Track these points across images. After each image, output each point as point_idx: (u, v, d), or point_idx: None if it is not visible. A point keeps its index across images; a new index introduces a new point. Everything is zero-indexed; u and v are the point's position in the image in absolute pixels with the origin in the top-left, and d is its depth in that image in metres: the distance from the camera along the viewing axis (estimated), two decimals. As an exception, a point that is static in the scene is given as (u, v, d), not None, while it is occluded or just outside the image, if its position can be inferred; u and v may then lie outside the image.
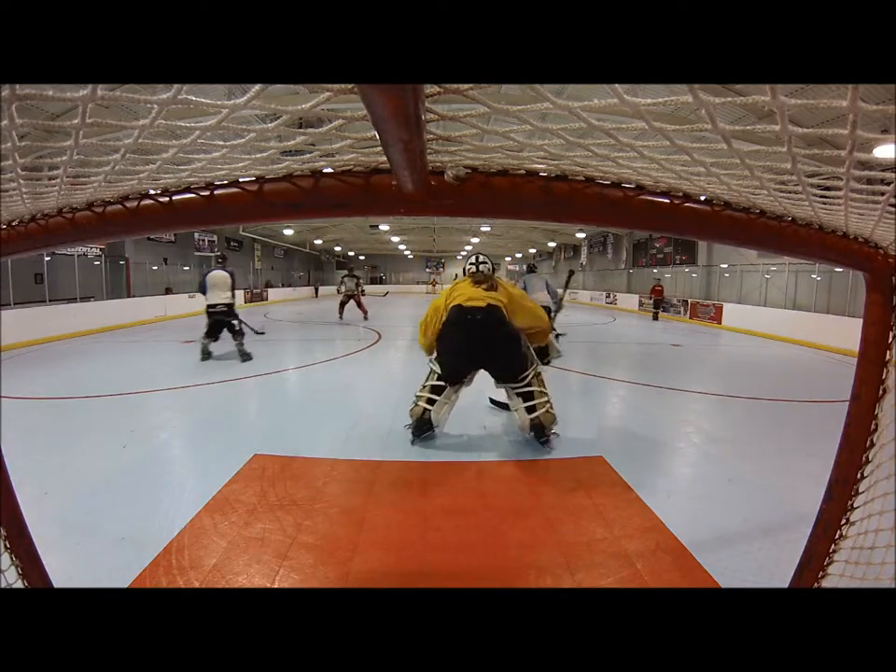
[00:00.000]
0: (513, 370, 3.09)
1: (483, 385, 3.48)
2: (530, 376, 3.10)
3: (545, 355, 3.53)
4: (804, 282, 11.20)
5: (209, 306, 6.12)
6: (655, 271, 18.11)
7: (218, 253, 6.88)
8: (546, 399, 3.11)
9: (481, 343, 3.00)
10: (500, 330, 3.02)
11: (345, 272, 12.30)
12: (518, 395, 3.08)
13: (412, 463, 2.86)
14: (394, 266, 34.61)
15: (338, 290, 12.48)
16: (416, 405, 3.14)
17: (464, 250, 30.34)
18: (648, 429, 3.63)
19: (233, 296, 6.29)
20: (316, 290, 26.34)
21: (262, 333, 7.79)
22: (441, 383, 3.09)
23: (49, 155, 0.59)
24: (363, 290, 12.18)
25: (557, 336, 7.59)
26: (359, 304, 11.62)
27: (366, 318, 11.64)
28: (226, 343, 6.46)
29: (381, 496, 2.42)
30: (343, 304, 11.82)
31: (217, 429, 3.51)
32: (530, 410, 3.05)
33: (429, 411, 3.08)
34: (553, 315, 5.53)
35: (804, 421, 4.03)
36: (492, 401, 4.00)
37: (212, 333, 6.18)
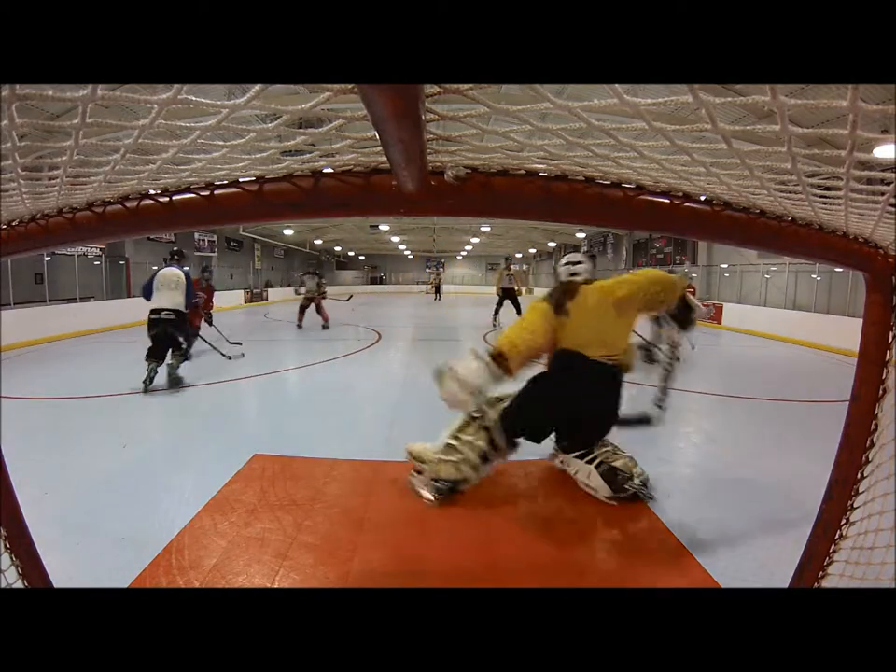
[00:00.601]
0: (604, 434, 2.46)
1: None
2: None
3: (688, 314, 2.46)
4: (804, 282, 11.19)
5: (152, 311, 4.66)
6: (655, 271, 18.08)
7: (175, 249, 5.33)
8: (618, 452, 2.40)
9: (592, 408, 2.31)
10: (615, 399, 2.38)
11: (306, 269, 10.30)
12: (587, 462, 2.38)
13: (412, 463, 2.86)
14: (394, 266, 34.59)
15: (296, 292, 10.33)
16: (459, 463, 2.20)
17: (464, 250, 30.33)
18: (648, 429, 3.63)
19: (190, 302, 4.89)
20: None
21: (238, 344, 6.71)
22: (503, 446, 2.22)
23: (48, 155, 0.59)
24: (324, 292, 10.18)
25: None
26: (319, 309, 9.76)
27: (325, 327, 9.65)
28: (236, 336, 6.42)
29: (381, 496, 2.42)
30: (302, 308, 9.78)
31: (218, 429, 3.51)
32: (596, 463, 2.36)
33: (467, 481, 2.22)
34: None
35: (804, 421, 4.03)
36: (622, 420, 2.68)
37: (155, 353, 4.62)
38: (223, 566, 1.80)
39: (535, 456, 2.96)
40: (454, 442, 2.23)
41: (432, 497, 2.22)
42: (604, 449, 2.43)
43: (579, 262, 2.44)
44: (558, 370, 2.26)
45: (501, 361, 2.01)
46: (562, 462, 2.55)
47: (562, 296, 2.24)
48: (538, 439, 2.37)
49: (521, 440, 2.33)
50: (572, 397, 2.24)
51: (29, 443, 3.13)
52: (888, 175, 0.58)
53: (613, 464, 2.34)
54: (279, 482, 2.55)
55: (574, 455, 2.45)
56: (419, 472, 2.35)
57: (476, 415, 2.27)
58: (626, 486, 2.31)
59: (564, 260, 2.51)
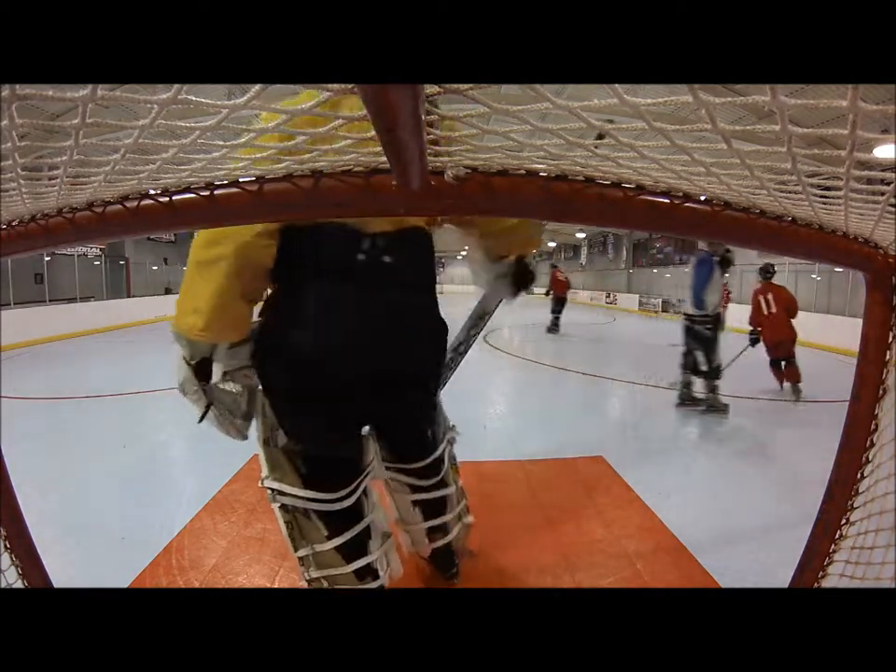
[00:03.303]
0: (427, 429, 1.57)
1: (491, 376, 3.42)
2: (445, 458, 1.56)
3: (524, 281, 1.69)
4: (804, 282, 11.19)
5: None
6: (655, 271, 18.10)
7: None
8: (464, 503, 1.76)
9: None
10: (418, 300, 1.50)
11: None
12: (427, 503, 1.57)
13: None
14: (394, 266, 34.49)
15: None
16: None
17: (464, 250, 30.30)
18: (648, 429, 3.63)
19: None
20: None
21: None
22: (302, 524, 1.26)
23: (48, 155, 0.59)
24: None
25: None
26: None
27: None
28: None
29: (381, 495, 2.41)
30: None
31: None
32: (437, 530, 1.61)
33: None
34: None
35: (804, 421, 4.03)
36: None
37: None
38: (223, 566, 1.79)
39: (535, 457, 2.96)
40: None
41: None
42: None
43: None
44: None
45: None
46: None
47: None
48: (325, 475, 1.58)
49: None
50: None
51: (29, 443, 3.13)
52: (888, 174, 0.58)
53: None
54: (279, 482, 2.54)
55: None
56: None
57: None
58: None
59: None
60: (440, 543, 1.53)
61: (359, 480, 1.18)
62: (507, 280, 1.58)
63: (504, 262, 1.56)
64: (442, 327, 1.23)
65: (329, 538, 1.08)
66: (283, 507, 1.14)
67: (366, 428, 1.25)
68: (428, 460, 1.41)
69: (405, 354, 1.11)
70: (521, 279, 1.59)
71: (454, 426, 1.62)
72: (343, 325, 1.03)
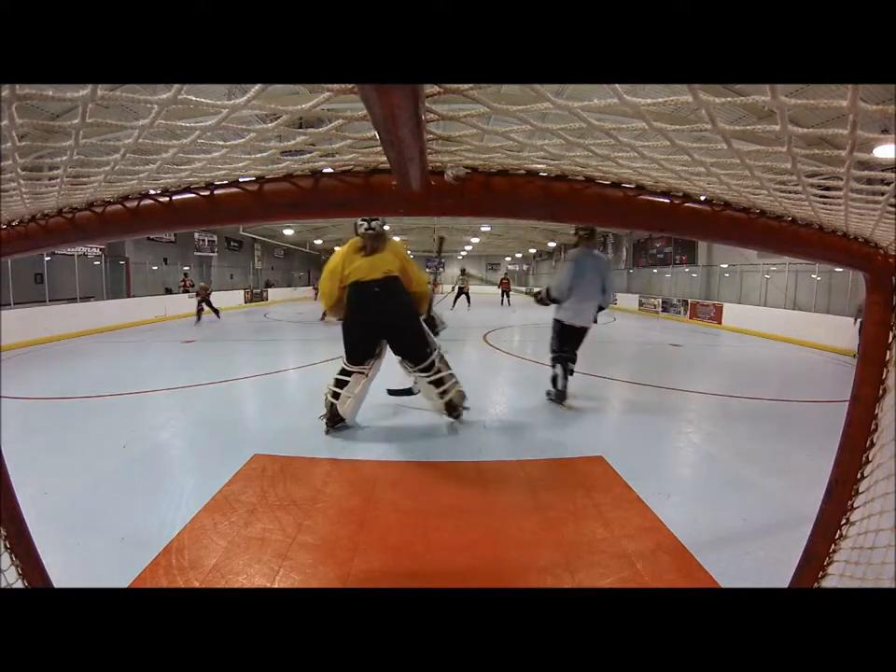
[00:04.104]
0: (416, 345, 3.19)
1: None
2: (436, 360, 3.23)
3: (433, 326, 3.46)
4: (804, 282, 11.20)
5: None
6: (655, 271, 18.11)
7: None
8: (454, 379, 3.32)
9: (383, 315, 3.07)
10: (398, 299, 3.11)
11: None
12: (430, 383, 3.24)
13: (412, 463, 2.86)
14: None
15: (186, 288, 12.36)
16: (326, 396, 3.25)
17: (464, 250, 30.34)
18: (648, 429, 3.63)
19: None
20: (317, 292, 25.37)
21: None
22: (344, 377, 3.17)
23: (48, 155, 0.59)
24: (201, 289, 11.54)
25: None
26: (208, 302, 11.29)
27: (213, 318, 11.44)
28: (236, 336, 6.43)
29: (381, 496, 2.42)
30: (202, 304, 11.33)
31: (218, 429, 3.51)
32: (442, 394, 3.28)
33: (335, 405, 3.19)
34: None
35: (804, 421, 4.03)
36: (390, 392, 3.80)
37: None
38: (223, 566, 1.80)
39: (535, 457, 2.96)
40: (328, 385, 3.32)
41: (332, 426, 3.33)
42: (452, 381, 3.36)
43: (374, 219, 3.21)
44: (347, 302, 3.16)
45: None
46: (418, 384, 3.42)
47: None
48: (358, 359, 3.18)
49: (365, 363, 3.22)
50: (359, 314, 3.13)
51: (29, 443, 3.13)
52: (888, 174, 0.58)
53: (455, 401, 3.40)
54: (279, 482, 2.55)
55: (426, 379, 3.26)
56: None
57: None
58: (455, 415, 3.47)
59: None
60: (447, 399, 3.34)
61: (372, 360, 3.23)
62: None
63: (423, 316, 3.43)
64: (410, 310, 3.23)
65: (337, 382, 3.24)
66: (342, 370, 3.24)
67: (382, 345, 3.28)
68: (424, 364, 3.22)
69: (392, 320, 3.14)
70: (431, 325, 3.45)
71: (440, 346, 3.38)
72: (367, 310, 3.10)
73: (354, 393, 3.18)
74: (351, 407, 3.22)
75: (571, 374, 4.29)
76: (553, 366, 4.28)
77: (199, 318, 11.20)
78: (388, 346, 3.26)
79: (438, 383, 3.26)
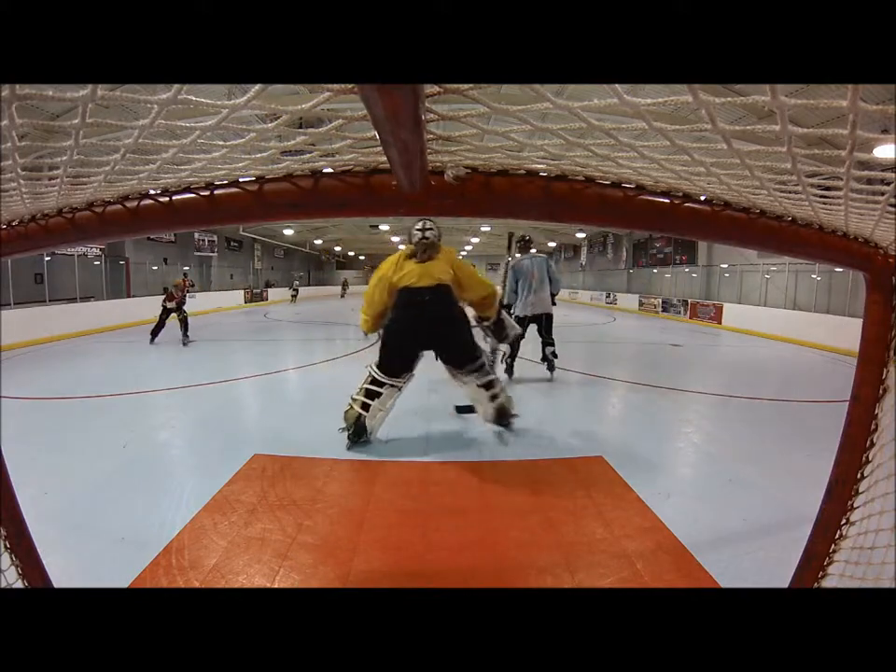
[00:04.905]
0: (466, 351, 3.05)
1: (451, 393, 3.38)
2: (486, 362, 3.11)
3: (501, 330, 3.31)
4: (804, 282, 11.20)
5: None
6: (655, 271, 18.11)
7: None
8: (502, 383, 3.19)
9: (433, 324, 2.92)
10: (452, 310, 2.98)
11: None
12: (480, 386, 3.08)
13: (412, 463, 2.86)
14: (393, 266, 34.57)
15: (165, 302, 7.90)
16: (351, 408, 2.99)
17: (464, 250, 30.36)
18: (648, 429, 3.63)
19: None
20: (295, 294, 21.47)
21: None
22: (377, 388, 2.95)
23: (49, 155, 0.59)
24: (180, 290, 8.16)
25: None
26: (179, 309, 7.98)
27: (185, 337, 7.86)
28: (236, 336, 6.43)
29: (381, 496, 2.42)
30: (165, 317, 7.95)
31: (218, 429, 3.51)
32: (493, 398, 3.10)
33: (364, 416, 2.96)
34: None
35: (804, 421, 4.03)
36: (458, 409, 3.65)
37: None
38: (223, 566, 1.80)
39: (535, 457, 2.96)
40: (353, 395, 3.07)
41: (347, 440, 3.07)
42: (500, 385, 3.20)
43: (430, 229, 3.11)
44: (394, 307, 3.00)
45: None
46: (467, 389, 3.20)
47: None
48: (396, 370, 2.99)
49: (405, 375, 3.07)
50: (405, 321, 2.97)
51: (29, 443, 3.13)
52: (888, 174, 0.58)
53: (507, 406, 3.20)
54: (279, 482, 2.55)
55: (476, 382, 3.09)
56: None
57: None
58: (506, 424, 3.28)
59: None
60: (497, 403, 3.13)
61: (408, 374, 3.06)
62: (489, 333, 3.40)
63: (487, 321, 3.33)
64: (461, 317, 3.06)
65: (367, 393, 2.99)
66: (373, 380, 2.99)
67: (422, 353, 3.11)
68: (472, 366, 3.05)
69: (443, 330, 2.97)
70: (497, 332, 3.38)
71: (494, 350, 3.58)
72: (416, 317, 2.93)
73: (385, 407, 2.99)
74: (380, 421, 3.04)
75: (556, 357, 5.24)
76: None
77: (155, 335, 7.86)
78: (437, 356, 3.11)
79: (488, 385, 3.10)
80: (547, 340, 5.23)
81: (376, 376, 2.97)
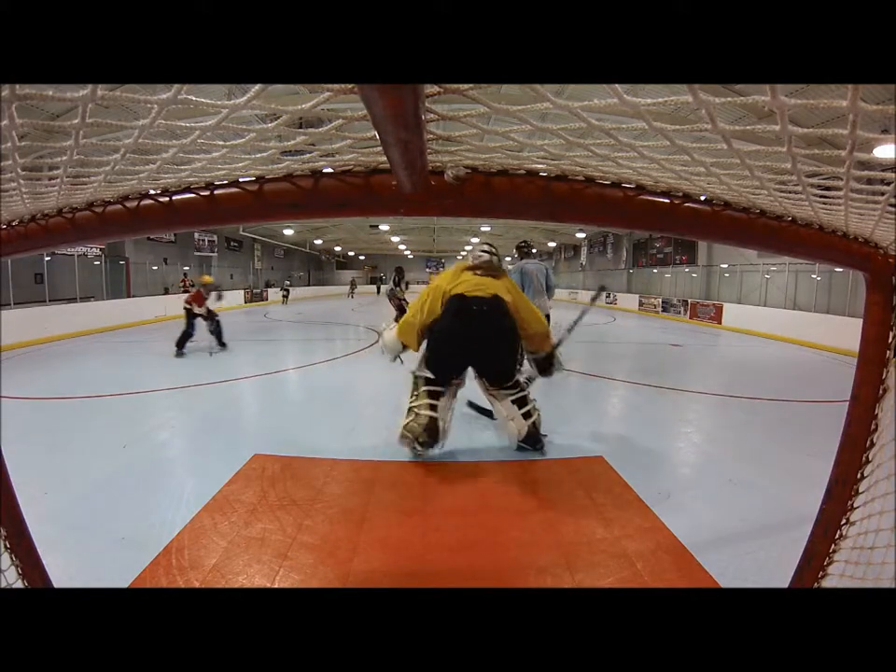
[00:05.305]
0: (509, 369, 2.90)
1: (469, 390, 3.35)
2: (521, 382, 2.94)
3: (548, 365, 3.06)
4: (804, 282, 11.20)
5: None
6: (655, 271, 18.11)
7: None
8: (535, 402, 2.96)
9: (483, 336, 2.72)
10: (504, 324, 2.77)
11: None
12: (514, 402, 2.85)
13: (412, 463, 2.86)
14: (394, 266, 34.61)
15: (186, 288, 6.31)
16: (418, 415, 2.76)
17: (464, 250, 30.36)
18: (648, 429, 3.63)
19: None
20: (286, 295, 20.30)
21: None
22: (437, 387, 2.78)
23: (49, 155, 0.59)
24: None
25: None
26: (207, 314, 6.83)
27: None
28: (236, 336, 6.42)
29: (381, 496, 2.42)
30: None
31: (218, 429, 3.51)
32: (526, 415, 2.86)
33: (436, 419, 2.74)
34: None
35: (804, 421, 4.03)
36: (471, 405, 3.66)
37: None
38: (223, 566, 1.80)
39: (535, 457, 2.96)
40: (409, 406, 2.85)
41: (419, 450, 2.85)
42: (534, 403, 2.96)
43: (491, 251, 3.09)
44: (444, 312, 2.80)
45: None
46: (496, 403, 2.98)
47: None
48: (445, 378, 2.83)
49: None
50: (455, 329, 2.77)
51: (29, 443, 3.13)
52: (888, 174, 0.58)
53: (538, 425, 2.95)
54: (279, 482, 2.55)
55: (509, 397, 2.89)
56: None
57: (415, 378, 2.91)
58: (539, 447, 2.99)
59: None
60: (530, 421, 2.89)
61: (453, 382, 2.87)
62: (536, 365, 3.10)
63: (535, 355, 3.07)
64: (514, 334, 2.86)
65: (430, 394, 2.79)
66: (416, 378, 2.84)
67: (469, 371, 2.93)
68: (508, 384, 2.88)
69: (492, 343, 2.78)
70: (543, 367, 3.08)
71: (530, 379, 3.12)
72: (466, 325, 2.73)
73: (450, 405, 2.86)
74: (450, 421, 2.86)
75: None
76: None
77: (186, 337, 6.60)
78: (477, 371, 2.92)
79: (522, 402, 2.87)
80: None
81: (430, 377, 2.79)
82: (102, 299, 11.59)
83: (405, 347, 2.95)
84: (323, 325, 11.45)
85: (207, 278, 7.06)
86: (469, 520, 2.19)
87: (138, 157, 0.61)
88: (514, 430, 2.89)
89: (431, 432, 2.75)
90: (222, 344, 6.92)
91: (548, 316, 5.30)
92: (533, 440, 2.93)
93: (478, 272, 2.88)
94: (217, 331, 6.90)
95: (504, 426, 2.96)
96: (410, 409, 2.80)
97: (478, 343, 2.75)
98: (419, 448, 2.81)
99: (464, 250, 30.31)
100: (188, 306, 6.70)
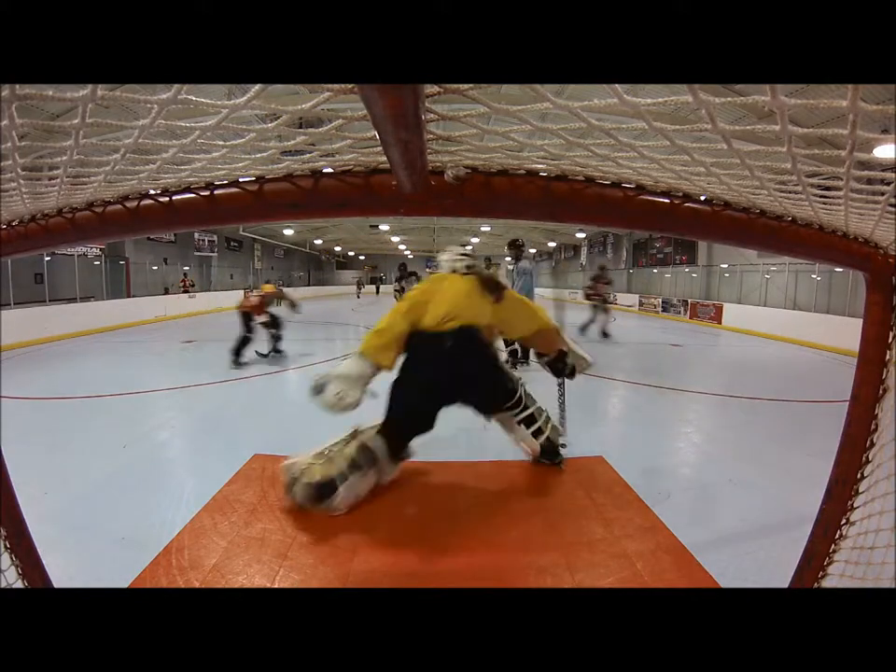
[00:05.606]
0: (501, 395, 2.39)
1: None
2: (523, 397, 2.44)
3: (562, 366, 2.56)
4: (804, 282, 11.20)
5: None
6: (655, 271, 18.11)
7: None
8: (545, 412, 2.52)
9: (453, 376, 2.17)
10: (474, 357, 2.25)
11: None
12: (520, 423, 2.49)
13: (412, 463, 2.86)
14: (394, 266, 34.60)
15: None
16: (318, 467, 2.05)
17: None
18: (648, 429, 3.63)
19: None
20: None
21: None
22: (365, 459, 2.09)
23: (49, 155, 0.59)
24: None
25: (605, 335, 8.25)
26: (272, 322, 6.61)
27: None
28: (235, 336, 6.43)
29: (381, 495, 2.42)
30: None
31: (218, 429, 3.51)
32: (537, 434, 2.50)
33: (337, 491, 2.02)
34: None
35: (804, 421, 4.03)
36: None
37: None
38: (223, 566, 1.79)
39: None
40: (322, 450, 2.12)
41: (308, 503, 2.03)
42: (544, 415, 2.51)
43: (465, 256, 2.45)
44: (407, 357, 2.20)
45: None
46: (505, 427, 2.54)
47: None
48: (407, 431, 2.24)
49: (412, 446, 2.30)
50: (421, 374, 2.17)
51: (29, 443, 3.13)
52: (888, 174, 0.58)
53: (553, 439, 2.54)
54: (279, 482, 2.54)
55: (515, 419, 2.45)
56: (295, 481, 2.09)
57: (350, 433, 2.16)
58: (558, 462, 2.59)
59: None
60: (542, 438, 2.49)
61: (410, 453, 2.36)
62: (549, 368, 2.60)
63: (545, 357, 2.58)
64: (489, 359, 2.30)
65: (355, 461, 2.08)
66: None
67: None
68: (508, 405, 2.39)
69: (464, 380, 2.19)
70: (556, 369, 2.58)
71: (520, 378, 2.51)
72: (431, 370, 2.13)
73: (366, 480, 2.13)
74: (347, 503, 2.09)
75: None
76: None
77: (245, 342, 6.14)
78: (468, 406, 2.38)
79: (529, 421, 2.46)
80: None
81: (370, 446, 2.13)
82: (102, 299, 11.59)
83: (376, 370, 2.13)
84: (323, 325, 11.45)
85: (268, 287, 6.58)
86: (468, 520, 2.19)
87: (138, 157, 0.61)
88: (529, 451, 2.57)
89: (321, 491, 2.03)
90: (278, 351, 6.59)
91: None
92: (550, 454, 2.59)
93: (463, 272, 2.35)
94: (277, 336, 6.56)
95: (518, 446, 2.60)
96: (326, 452, 2.11)
97: (450, 382, 2.21)
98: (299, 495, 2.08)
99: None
100: (249, 312, 6.18)
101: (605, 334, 8.87)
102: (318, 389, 2.02)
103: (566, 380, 2.67)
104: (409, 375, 2.20)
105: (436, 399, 2.25)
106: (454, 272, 2.38)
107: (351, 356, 2.14)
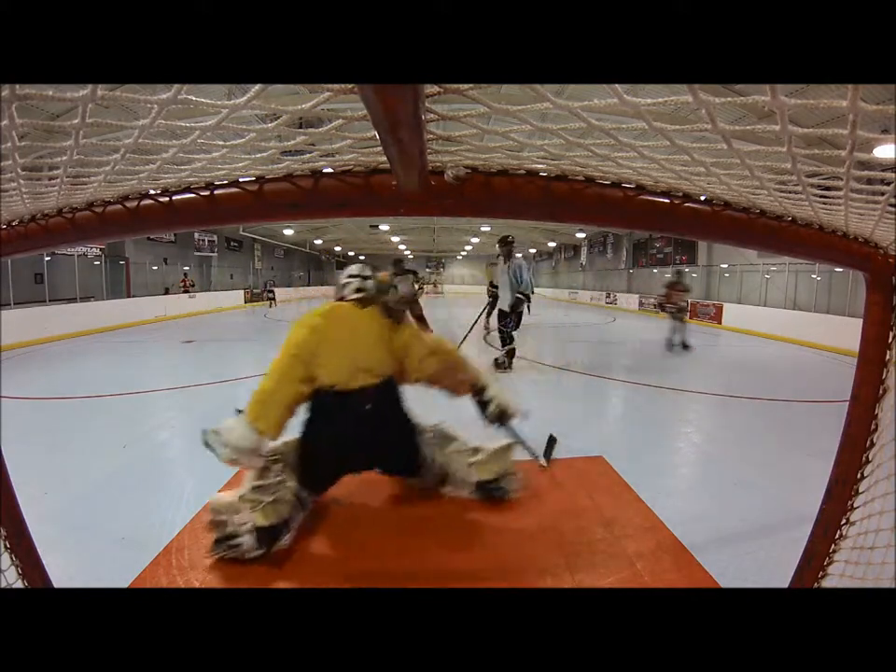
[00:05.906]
0: (413, 460, 2.10)
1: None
2: (429, 460, 2.14)
3: (486, 405, 2.16)
4: (804, 282, 11.20)
5: None
6: (655, 271, 18.11)
7: None
8: (468, 449, 2.23)
9: (373, 442, 1.90)
10: (395, 422, 2.00)
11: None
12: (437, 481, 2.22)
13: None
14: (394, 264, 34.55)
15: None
16: (275, 503, 1.75)
17: (464, 250, 30.37)
18: (648, 429, 3.63)
19: None
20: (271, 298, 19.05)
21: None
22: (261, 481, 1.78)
23: (49, 155, 0.59)
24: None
25: (685, 347, 7.84)
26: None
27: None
28: (236, 336, 6.43)
29: (381, 495, 2.42)
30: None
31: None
32: (471, 465, 2.25)
33: (277, 525, 1.76)
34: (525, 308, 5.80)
35: (804, 421, 4.03)
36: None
37: None
38: (223, 566, 1.79)
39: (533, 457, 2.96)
40: (259, 484, 1.79)
41: (260, 550, 1.74)
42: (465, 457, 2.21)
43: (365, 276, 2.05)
44: (315, 414, 1.90)
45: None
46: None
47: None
48: (320, 488, 2.02)
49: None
50: (335, 438, 1.87)
51: (29, 443, 3.13)
52: (888, 174, 0.58)
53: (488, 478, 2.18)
54: (279, 482, 2.54)
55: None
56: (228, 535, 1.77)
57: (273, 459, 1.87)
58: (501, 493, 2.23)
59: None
60: (476, 472, 2.25)
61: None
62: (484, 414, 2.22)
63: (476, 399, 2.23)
64: (405, 426, 2.05)
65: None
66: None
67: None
68: (413, 476, 2.20)
69: (378, 445, 1.93)
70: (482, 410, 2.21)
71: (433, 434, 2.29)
72: (342, 432, 1.84)
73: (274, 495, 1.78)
74: (279, 514, 1.79)
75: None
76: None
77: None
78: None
79: (442, 480, 2.23)
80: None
81: (300, 495, 1.88)
82: (102, 299, 11.59)
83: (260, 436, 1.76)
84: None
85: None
86: (469, 520, 2.19)
87: (138, 157, 0.61)
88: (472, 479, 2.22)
89: (266, 536, 1.75)
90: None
91: (528, 307, 5.90)
92: (492, 486, 2.24)
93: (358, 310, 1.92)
94: None
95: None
96: (247, 498, 1.78)
97: (368, 447, 1.93)
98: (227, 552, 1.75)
99: (464, 250, 30.26)
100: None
101: (685, 345, 7.83)
102: (208, 447, 1.75)
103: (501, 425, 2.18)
104: (318, 437, 1.89)
105: (352, 463, 2.01)
106: (341, 299, 2.00)
107: (237, 416, 1.85)
